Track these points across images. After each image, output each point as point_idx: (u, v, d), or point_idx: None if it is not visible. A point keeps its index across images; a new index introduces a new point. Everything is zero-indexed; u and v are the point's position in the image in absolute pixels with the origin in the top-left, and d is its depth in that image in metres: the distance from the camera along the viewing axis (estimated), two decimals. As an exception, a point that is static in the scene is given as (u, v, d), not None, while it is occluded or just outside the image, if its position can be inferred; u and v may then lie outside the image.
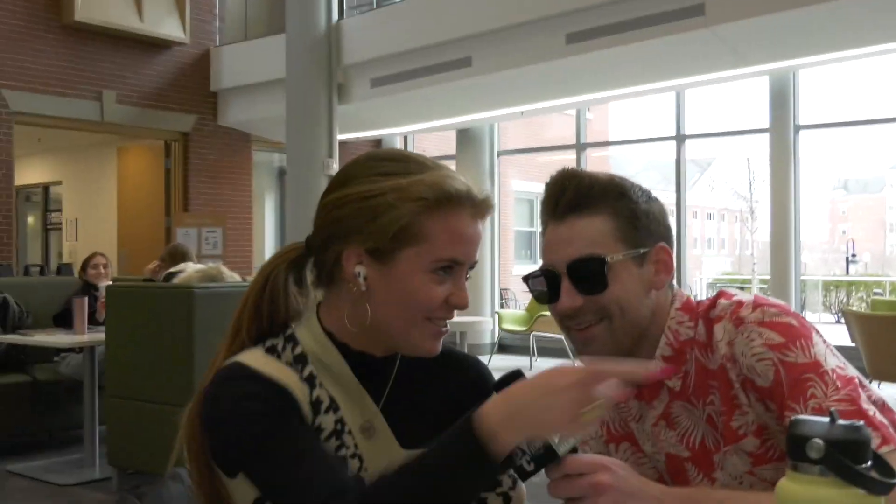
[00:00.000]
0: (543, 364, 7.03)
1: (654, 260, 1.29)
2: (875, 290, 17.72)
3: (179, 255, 5.58)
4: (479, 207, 1.18)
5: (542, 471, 1.05)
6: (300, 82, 8.85)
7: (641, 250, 1.27)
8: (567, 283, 1.25)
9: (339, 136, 9.20)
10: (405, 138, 12.90)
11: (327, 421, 1.17)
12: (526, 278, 1.32)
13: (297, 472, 1.07)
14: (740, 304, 1.27)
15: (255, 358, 1.17)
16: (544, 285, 1.28)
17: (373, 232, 1.15)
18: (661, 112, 12.62)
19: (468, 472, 1.00)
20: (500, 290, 12.53)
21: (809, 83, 9.17)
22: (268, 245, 12.46)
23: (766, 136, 9.35)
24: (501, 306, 12.42)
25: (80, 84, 9.81)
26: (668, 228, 1.33)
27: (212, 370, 1.20)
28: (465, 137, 11.77)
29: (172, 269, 5.06)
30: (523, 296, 13.11)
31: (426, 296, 1.15)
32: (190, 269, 4.88)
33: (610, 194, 1.26)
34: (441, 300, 1.16)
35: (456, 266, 1.17)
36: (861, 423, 0.81)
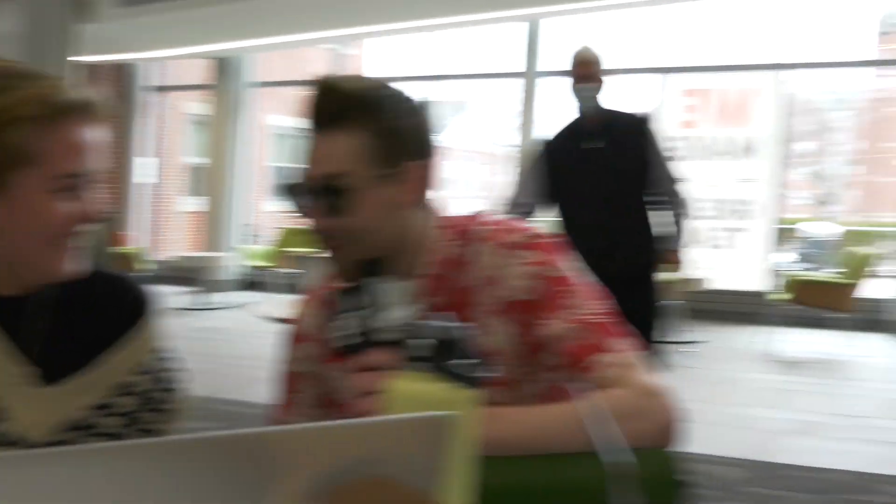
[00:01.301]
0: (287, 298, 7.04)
1: (409, 179, 1.23)
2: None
3: None
4: (93, 113, 1.12)
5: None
6: (33, -5, 8.15)
7: (393, 170, 1.21)
8: (316, 201, 1.20)
9: (89, 59, 8.59)
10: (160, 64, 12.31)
11: None
12: (284, 190, 1.23)
13: None
14: (505, 229, 1.29)
15: None
16: (301, 198, 1.22)
17: None
18: (418, 51, 12.78)
19: None
20: (249, 225, 12.33)
21: (555, 32, 9.66)
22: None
23: (519, 81, 9.81)
24: (253, 242, 12.25)
25: None
26: (429, 142, 1.26)
27: None
28: (222, 66, 11.41)
29: None
30: (272, 231, 12.97)
31: (51, 217, 1.09)
32: None
33: (367, 108, 1.19)
34: (67, 218, 1.10)
35: (79, 179, 1.11)
36: (456, 324, 0.91)
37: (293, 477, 0.60)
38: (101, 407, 1.18)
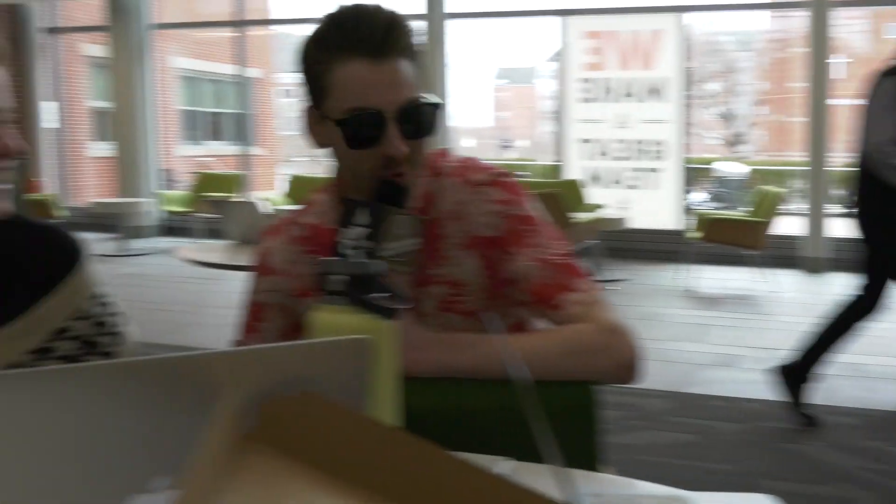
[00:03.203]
0: (211, 244, 6.85)
1: None
2: (518, 173, 19.16)
3: None
4: None
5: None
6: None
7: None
8: (395, 127, 1.18)
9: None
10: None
11: None
12: (343, 121, 1.19)
13: None
14: (471, 167, 1.34)
15: None
16: (367, 128, 1.19)
17: None
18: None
19: None
20: (163, 170, 12.00)
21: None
22: None
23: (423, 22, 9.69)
24: (168, 188, 11.90)
25: None
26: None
27: None
28: (116, 7, 10.94)
29: None
30: (187, 177, 12.61)
31: None
32: None
33: (415, 37, 1.23)
34: None
35: None
36: (368, 261, 0.95)
37: (229, 395, 0.63)
38: (40, 351, 1.15)
